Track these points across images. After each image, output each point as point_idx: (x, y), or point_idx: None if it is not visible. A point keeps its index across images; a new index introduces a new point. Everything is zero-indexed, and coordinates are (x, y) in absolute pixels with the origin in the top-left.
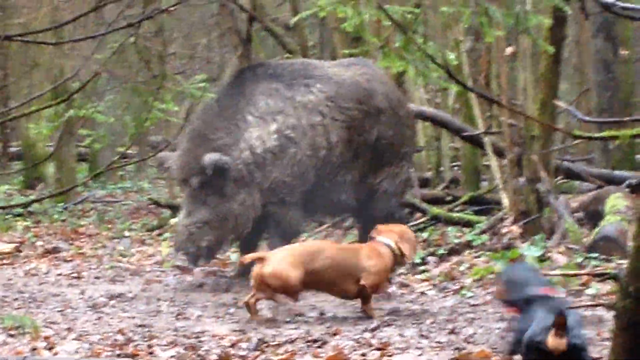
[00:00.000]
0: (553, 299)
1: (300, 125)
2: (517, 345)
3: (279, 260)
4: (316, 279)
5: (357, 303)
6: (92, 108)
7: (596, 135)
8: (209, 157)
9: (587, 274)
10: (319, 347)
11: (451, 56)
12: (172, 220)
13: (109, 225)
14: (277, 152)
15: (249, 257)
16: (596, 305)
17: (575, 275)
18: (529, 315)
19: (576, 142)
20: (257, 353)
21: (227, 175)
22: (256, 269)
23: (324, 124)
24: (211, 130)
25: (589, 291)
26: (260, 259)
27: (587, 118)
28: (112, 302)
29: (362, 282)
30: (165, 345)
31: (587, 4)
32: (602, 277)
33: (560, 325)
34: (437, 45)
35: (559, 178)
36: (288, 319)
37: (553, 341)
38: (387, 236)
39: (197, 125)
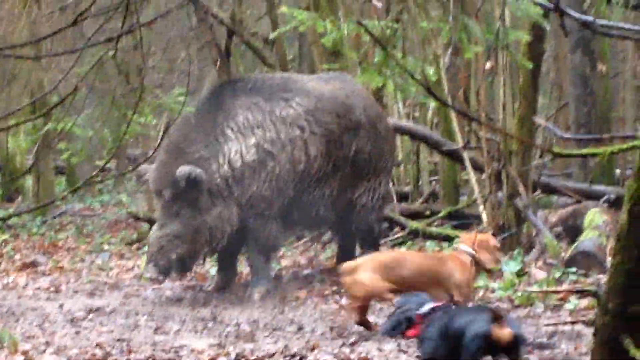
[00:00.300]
0: (451, 306)
1: (279, 139)
2: (434, 350)
3: (364, 269)
4: (405, 286)
5: (335, 317)
6: (70, 121)
7: (576, 152)
8: (182, 170)
9: (567, 291)
10: None
11: (430, 71)
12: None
13: (88, 239)
14: (255, 166)
15: (347, 265)
16: (574, 322)
17: (555, 292)
18: (433, 321)
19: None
20: None
21: (201, 188)
22: (346, 277)
23: (303, 138)
24: (188, 143)
25: (568, 306)
26: (344, 269)
27: (567, 135)
28: (90, 316)
29: (455, 297)
30: None
31: (566, 20)
32: (582, 293)
33: (499, 318)
34: (416, 61)
35: (537, 193)
36: (266, 334)
37: (497, 332)
38: (469, 245)
39: (174, 138)
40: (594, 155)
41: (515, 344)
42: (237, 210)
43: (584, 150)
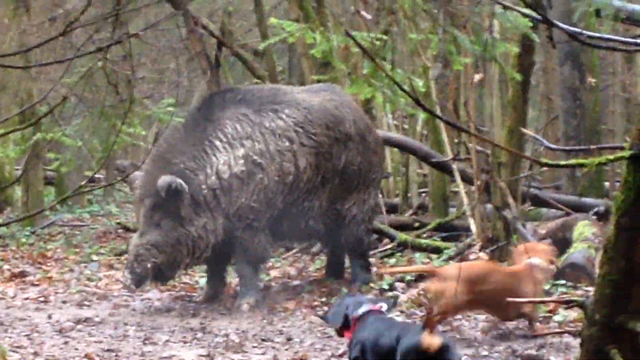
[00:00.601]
0: (384, 313)
1: (268, 150)
2: (364, 354)
3: (448, 278)
4: (482, 301)
5: (325, 329)
6: (60, 131)
7: (563, 163)
8: (163, 179)
9: (554, 302)
10: None
11: (419, 83)
12: None
13: (77, 249)
14: (244, 178)
15: (418, 268)
16: (562, 333)
17: (542, 302)
18: (365, 326)
19: (544, 169)
20: None
21: (182, 198)
22: (427, 283)
23: (292, 150)
24: (175, 153)
25: (557, 318)
26: (431, 273)
27: (553, 146)
28: (79, 326)
29: (526, 310)
30: None
31: (554, 33)
32: (569, 304)
33: (430, 326)
34: (405, 72)
35: (526, 205)
36: (255, 344)
37: (427, 340)
38: (538, 256)
39: (161, 148)
40: (581, 166)
41: (444, 351)
42: (223, 221)
43: (572, 161)
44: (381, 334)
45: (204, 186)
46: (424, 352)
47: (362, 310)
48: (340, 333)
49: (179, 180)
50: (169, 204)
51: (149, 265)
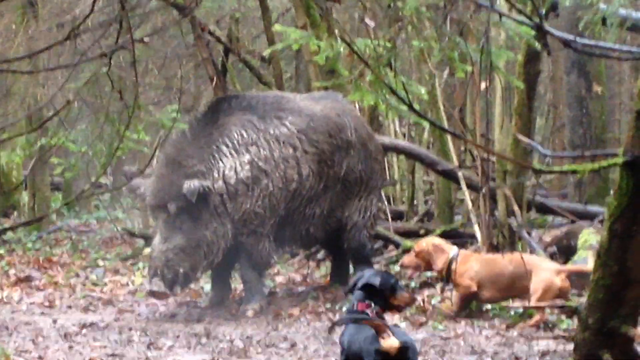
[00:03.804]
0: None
1: (272, 157)
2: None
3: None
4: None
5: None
6: (65, 137)
7: (556, 169)
8: (192, 184)
9: (549, 306)
10: None
11: (422, 90)
12: (146, 250)
13: (83, 255)
14: (249, 183)
15: (574, 268)
16: (556, 338)
17: (537, 307)
18: (346, 330)
19: (550, 177)
20: None
21: (208, 202)
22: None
23: (295, 157)
24: (184, 157)
25: (562, 325)
26: (582, 272)
27: (548, 152)
28: (84, 331)
29: None
30: None
31: (550, 39)
32: (563, 309)
33: (381, 330)
34: (408, 80)
35: (532, 213)
36: (259, 350)
37: (385, 345)
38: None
39: (170, 152)
40: (574, 172)
41: (405, 352)
42: (230, 226)
43: (565, 167)
44: (353, 342)
45: (212, 190)
46: (386, 354)
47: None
48: None
49: (206, 184)
50: (192, 208)
51: (180, 270)
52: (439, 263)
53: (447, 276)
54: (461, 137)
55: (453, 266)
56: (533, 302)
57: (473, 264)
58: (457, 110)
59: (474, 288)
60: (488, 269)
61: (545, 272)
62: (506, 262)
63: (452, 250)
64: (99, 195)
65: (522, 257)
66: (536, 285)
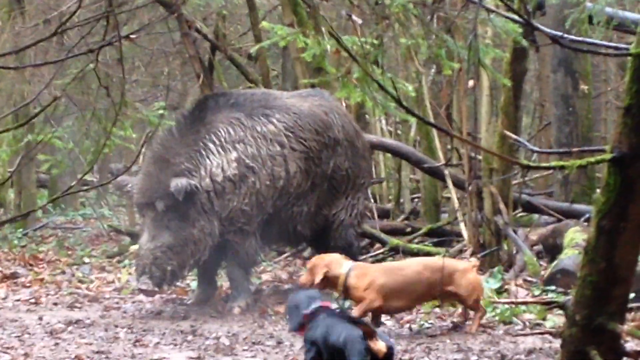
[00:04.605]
0: (334, 309)
1: (259, 155)
2: (321, 355)
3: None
4: None
5: None
6: (51, 133)
7: (544, 165)
8: (179, 182)
9: (536, 302)
10: None
11: (409, 87)
12: (133, 247)
13: (69, 252)
14: (236, 181)
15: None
16: (543, 333)
17: (524, 303)
18: (316, 324)
19: (536, 175)
20: None
21: (195, 200)
22: None
23: (283, 154)
24: (172, 154)
25: (548, 324)
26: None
27: (536, 148)
28: (70, 328)
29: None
30: None
31: (538, 36)
32: (550, 305)
33: (371, 334)
34: (395, 77)
35: (518, 211)
36: (245, 347)
37: (373, 347)
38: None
39: (158, 150)
40: (562, 168)
41: (390, 355)
42: (217, 224)
43: (553, 163)
44: (330, 333)
45: (199, 188)
46: (375, 355)
47: (313, 306)
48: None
49: (194, 182)
50: (179, 206)
51: (168, 268)
52: (333, 279)
53: (343, 292)
54: (448, 133)
55: (348, 281)
56: (471, 302)
57: (376, 276)
58: (444, 108)
59: (379, 302)
60: (393, 278)
61: (469, 272)
62: (419, 268)
63: (344, 265)
64: (85, 193)
65: (443, 262)
66: (469, 286)
